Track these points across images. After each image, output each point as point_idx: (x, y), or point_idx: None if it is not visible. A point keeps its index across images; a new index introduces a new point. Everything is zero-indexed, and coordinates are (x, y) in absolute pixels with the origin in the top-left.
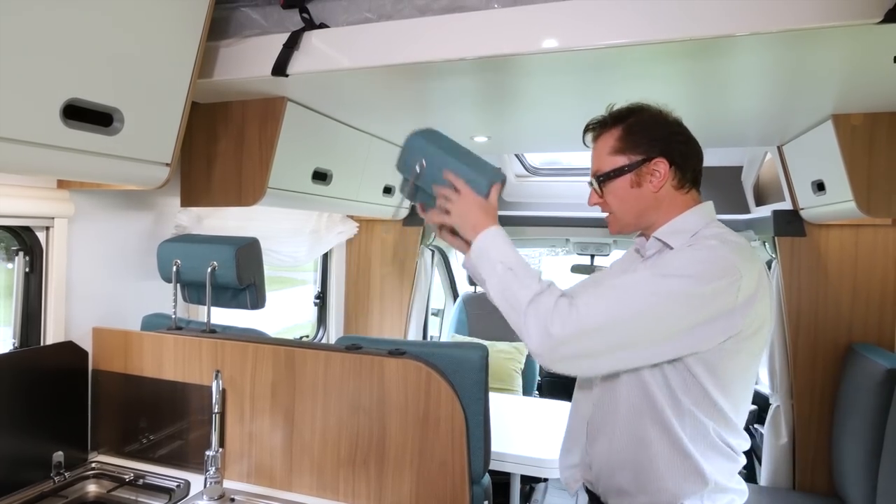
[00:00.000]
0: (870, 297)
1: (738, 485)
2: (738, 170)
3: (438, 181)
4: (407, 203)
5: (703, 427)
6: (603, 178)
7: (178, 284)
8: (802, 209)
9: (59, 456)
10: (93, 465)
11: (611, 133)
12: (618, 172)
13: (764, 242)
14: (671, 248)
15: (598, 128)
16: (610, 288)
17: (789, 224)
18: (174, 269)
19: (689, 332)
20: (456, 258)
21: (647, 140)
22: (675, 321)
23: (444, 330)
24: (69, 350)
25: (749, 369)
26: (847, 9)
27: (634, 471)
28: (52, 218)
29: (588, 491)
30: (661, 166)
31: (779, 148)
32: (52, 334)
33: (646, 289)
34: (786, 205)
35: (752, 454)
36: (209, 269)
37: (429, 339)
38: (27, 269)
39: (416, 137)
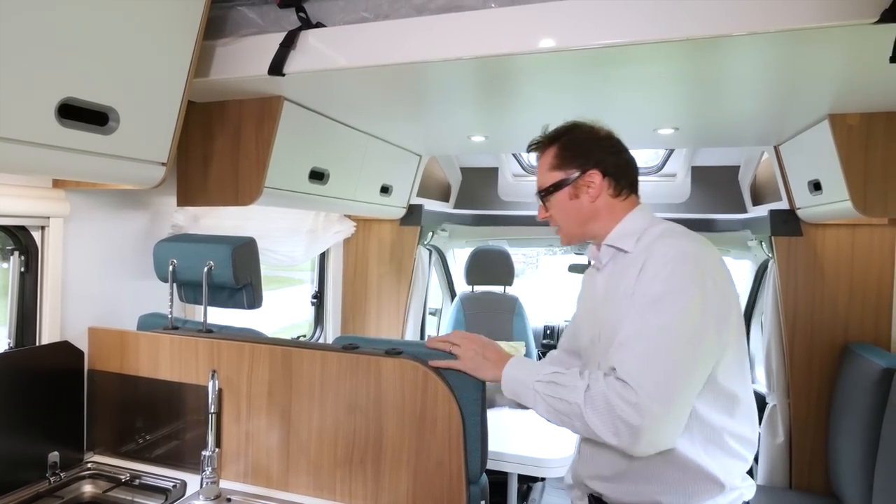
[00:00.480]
0: (866, 296)
1: (744, 481)
2: (735, 169)
3: None
4: (404, 202)
5: (715, 431)
6: (544, 193)
7: (175, 284)
8: (799, 209)
9: (54, 456)
10: (89, 465)
11: (549, 151)
12: (557, 186)
13: (761, 242)
14: (626, 252)
15: (538, 148)
16: (636, 341)
17: (786, 224)
18: (170, 268)
19: (706, 335)
20: (454, 258)
21: (581, 154)
22: (697, 336)
23: (442, 329)
24: (65, 350)
25: (742, 347)
26: (843, 9)
27: (647, 482)
28: (48, 217)
29: (594, 498)
30: (595, 177)
31: (776, 148)
32: (47, 334)
33: (663, 330)
34: (782, 204)
35: None
36: (205, 269)
37: (426, 338)
38: (22, 269)
39: None
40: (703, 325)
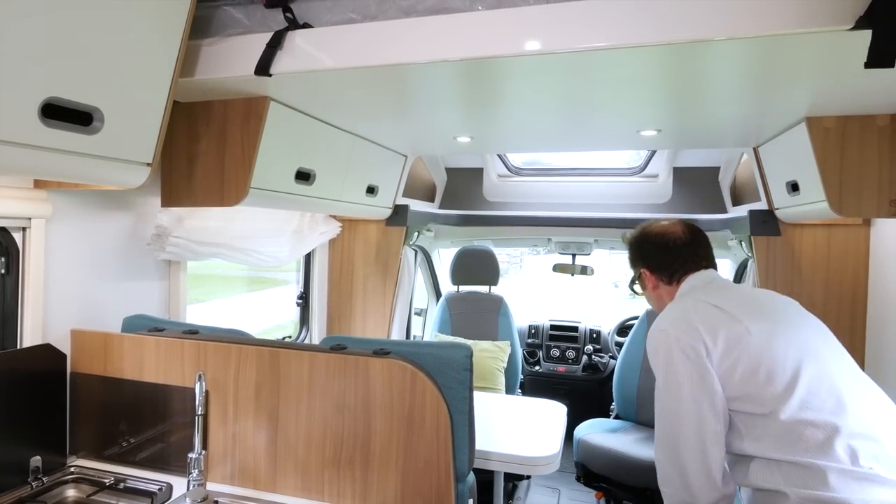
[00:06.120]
0: (842, 294)
1: None
2: (715, 170)
3: None
4: (390, 203)
5: None
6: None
7: None
8: (777, 209)
9: (36, 460)
10: (72, 469)
11: None
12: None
13: (741, 241)
14: None
15: None
16: None
17: (765, 224)
18: None
19: None
20: (439, 258)
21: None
22: None
23: (427, 329)
24: (47, 352)
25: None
26: (820, 15)
27: None
28: (29, 218)
29: None
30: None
31: (755, 149)
32: (28, 337)
33: None
34: (761, 205)
35: None
36: None
37: (412, 338)
38: (3, 271)
39: None
40: None
